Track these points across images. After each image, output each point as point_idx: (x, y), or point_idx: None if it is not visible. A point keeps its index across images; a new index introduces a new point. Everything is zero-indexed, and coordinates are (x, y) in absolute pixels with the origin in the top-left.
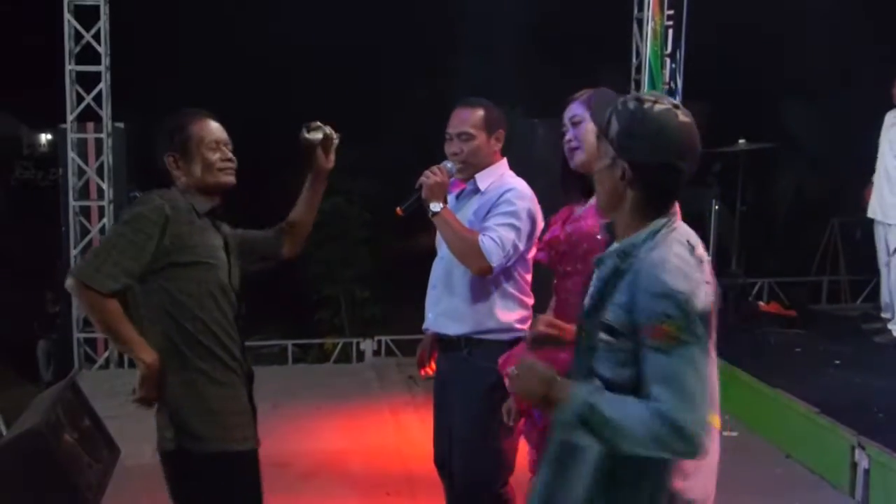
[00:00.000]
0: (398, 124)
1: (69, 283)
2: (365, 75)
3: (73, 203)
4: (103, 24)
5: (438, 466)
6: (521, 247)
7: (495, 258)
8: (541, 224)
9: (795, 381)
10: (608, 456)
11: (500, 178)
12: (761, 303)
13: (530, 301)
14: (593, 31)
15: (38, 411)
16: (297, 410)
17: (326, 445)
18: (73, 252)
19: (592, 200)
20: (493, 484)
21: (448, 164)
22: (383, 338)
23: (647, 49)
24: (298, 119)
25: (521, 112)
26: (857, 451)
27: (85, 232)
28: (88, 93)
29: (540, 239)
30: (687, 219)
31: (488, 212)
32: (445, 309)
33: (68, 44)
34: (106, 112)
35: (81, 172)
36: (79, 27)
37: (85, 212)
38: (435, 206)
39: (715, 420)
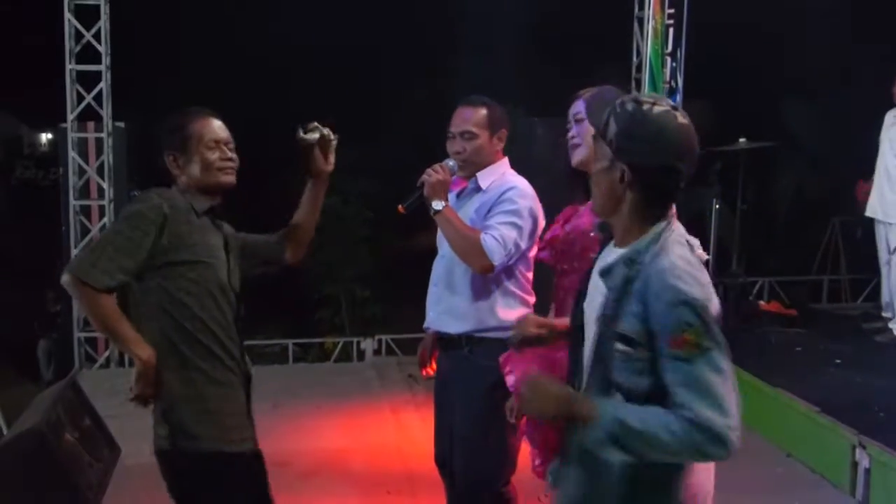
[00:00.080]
0: (398, 124)
1: (65, 278)
2: (365, 75)
3: (74, 202)
4: (104, 23)
5: (439, 465)
6: (523, 245)
7: (497, 257)
8: (542, 222)
9: (796, 380)
10: (631, 465)
11: (502, 176)
12: (762, 302)
13: (532, 299)
14: (594, 30)
15: (39, 410)
16: (298, 409)
17: (327, 444)
18: (74, 251)
19: None
20: (494, 483)
21: (450, 163)
22: (384, 337)
23: (648, 48)
24: (298, 119)
25: (522, 111)
26: (857, 451)
27: (85, 231)
28: (89, 92)
29: (541, 238)
30: (688, 218)
31: (489, 210)
32: (446, 307)
33: (69, 43)
34: (106, 111)
35: (82, 172)
36: (79, 26)
37: (85, 211)
38: (437, 205)
39: None
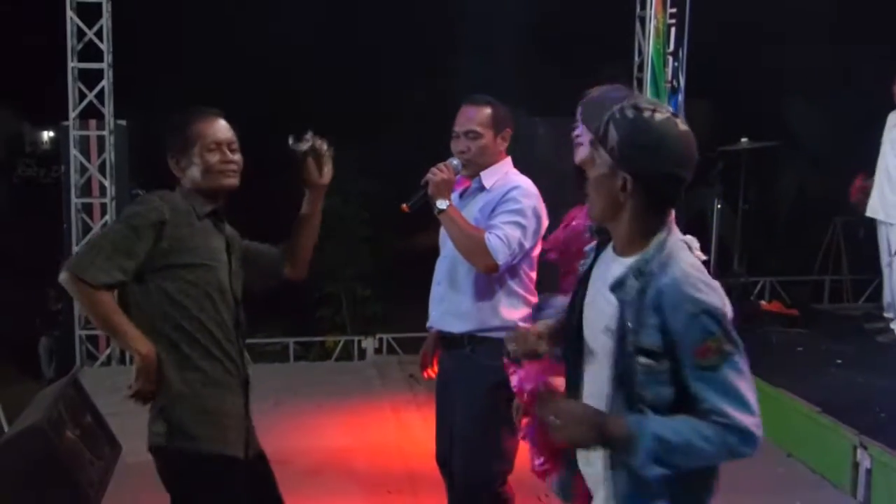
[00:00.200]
0: (399, 124)
1: (63, 276)
2: (365, 75)
3: (76, 200)
4: (106, 21)
5: (440, 464)
6: (527, 245)
7: (501, 256)
8: (546, 222)
9: (797, 380)
10: (666, 476)
11: (505, 175)
12: (763, 302)
13: (535, 299)
14: (595, 29)
15: (40, 408)
16: (299, 408)
17: (328, 443)
18: (75, 249)
19: None
20: (492, 482)
21: (454, 162)
22: (385, 336)
23: (650, 47)
24: (299, 118)
25: (523, 111)
26: (858, 451)
27: (87, 229)
28: (91, 90)
29: (545, 238)
30: (689, 218)
31: (494, 209)
32: (449, 306)
33: (71, 41)
34: (108, 109)
35: (84, 170)
36: (81, 24)
37: (87, 209)
38: (441, 204)
39: None
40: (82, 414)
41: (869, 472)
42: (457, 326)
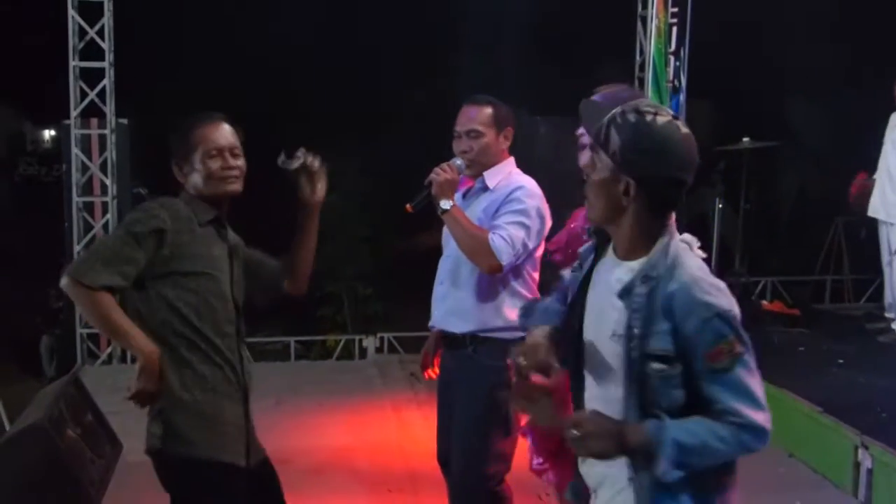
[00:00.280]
0: (401, 122)
1: (63, 281)
2: (365, 75)
3: (77, 199)
4: (107, 20)
5: (441, 464)
6: (531, 245)
7: (505, 257)
8: (549, 222)
9: (798, 380)
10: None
11: (509, 175)
12: (764, 302)
13: None
14: (597, 28)
15: (41, 407)
16: (300, 407)
17: (329, 442)
18: (77, 248)
19: None
20: (489, 482)
21: (458, 162)
22: (386, 335)
23: (651, 47)
24: (300, 117)
25: (525, 110)
26: (860, 451)
27: (88, 228)
28: (92, 89)
29: (548, 239)
30: (691, 218)
31: (497, 209)
32: (452, 306)
33: (72, 40)
34: (110, 108)
35: (85, 169)
36: (83, 23)
37: (88, 208)
38: (445, 204)
39: None
40: (83, 412)
41: (870, 472)
42: (459, 326)
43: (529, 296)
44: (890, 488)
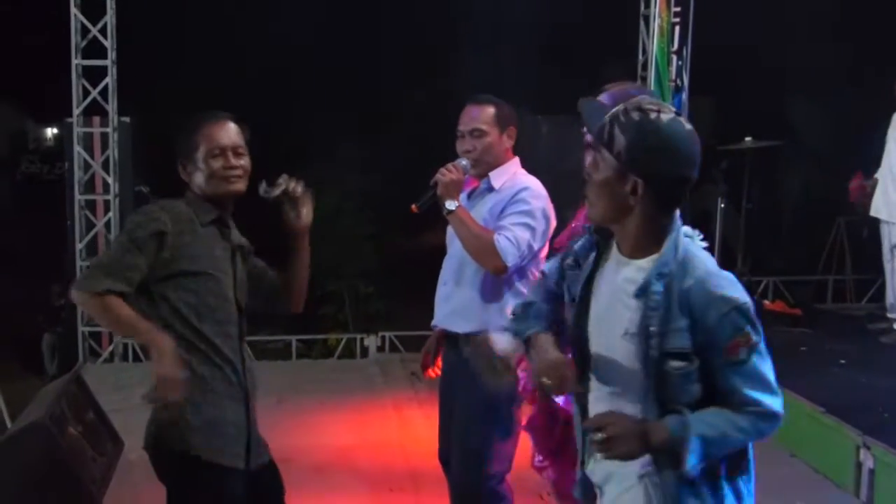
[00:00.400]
0: (403, 121)
1: (72, 294)
2: (365, 74)
3: (79, 197)
4: (110, 18)
5: (443, 463)
6: (536, 246)
7: (511, 258)
8: (554, 223)
9: (800, 380)
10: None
11: (514, 176)
12: (766, 301)
13: None
14: (599, 27)
15: (43, 404)
16: (301, 406)
17: (330, 441)
18: (79, 246)
19: None
20: (490, 480)
21: (463, 162)
22: (387, 334)
23: (654, 46)
24: (302, 115)
25: (527, 109)
26: (861, 451)
27: (90, 226)
28: (95, 87)
29: (552, 240)
30: (693, 217)
31: (503, 210)
32: (456, 306)
33: (75, 38)
34: (112, 106)
35: (87, 166)
36: (85, 21)
37: (90, 206)
38: (450, 204)
39: None
40: (85, 410)
41: (872, 472)
42: (462, 326)
43: None
44: (892, 489)
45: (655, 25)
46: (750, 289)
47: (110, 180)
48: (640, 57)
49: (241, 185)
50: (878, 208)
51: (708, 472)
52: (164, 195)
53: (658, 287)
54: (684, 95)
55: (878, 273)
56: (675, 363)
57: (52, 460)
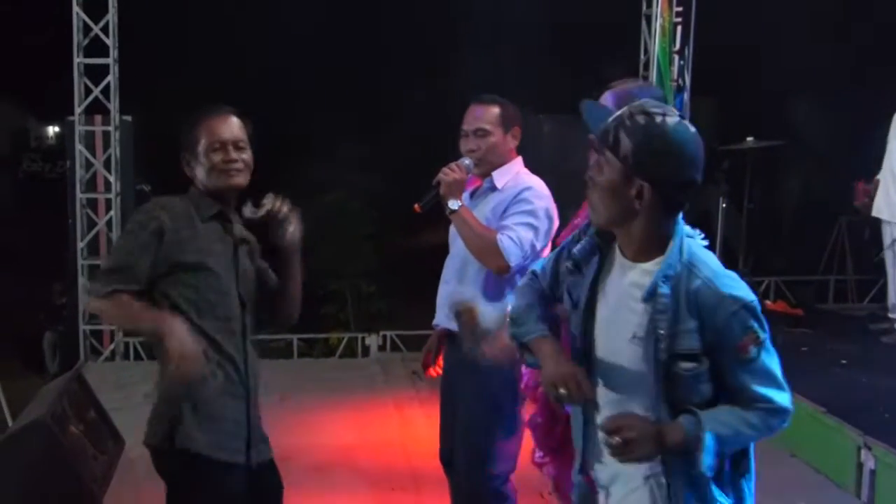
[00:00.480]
0: (405, 121)
1: (89, 307)
2: (367, 73)
3: (81, 195)
4: (112, 16)
5: (444, 462)
6: (539, 246)
7: (513, 258)
8: (557, 223)
9: (801, 380)
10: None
11: (517, 175)
12: (768, 301)
13: None
14: (601, 27)
15: (44, 403)
16: (302, 404)
17: (331, 440)
18: (80, 244)
19: None
20: (495, 481)
21: (466, 161)
22: (388, 333)
23: (656, 46)
24: (303, 113)
25: (529, 109)
26: (863, 452)
27: (92, 224)
28: (96, 85)
29: (555, 240)
30: (694, 217)
31: (505, 210)
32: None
33: (77, 36)
34: (114, 105)
35: (89, 165)
36: (87, 20)
37: (92, 204)
38: (453, 204)
39: None
40: (86, 409)
41: (873, 472)
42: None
43: None
44: (893, 489)
45: (657, 25)
46: (751, 289)
47: (112, 179)
48: (642, 56)
49: (241, 179)
50: (879, 209)
51: (713, 473)
52: (165, 193)
53: (665, 290)
54: (686, 95)
55: (879, 273)
56: (686, 364)
57: (53, 459)
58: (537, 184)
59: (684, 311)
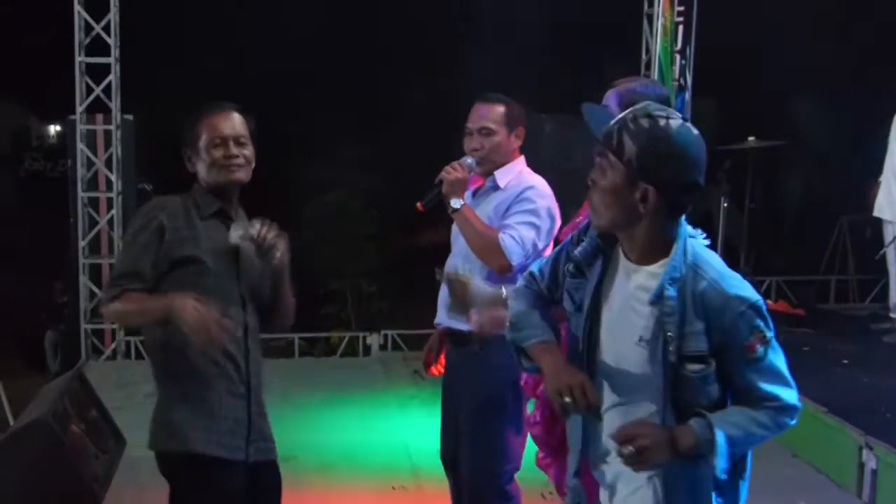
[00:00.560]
0: (406, 120)
1: (104, 315)
2: (368, 72)
3: (82, 194)
4: (113, 15)
5: (445, 462)
6: (541, 245)
7: (515, 257)
8: (559, 222)
9: (803, 380)
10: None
11: (519, 175)
12: (769, 301)
13: None
14: (603, 26)
15: (46, 402)
16: (304, 403)
17: (332, 439)
18: (81, 243)
19: None
20: (498, 479)
21: (468, 160)
22: (390, 332)
23: (657, 45)
24: (304, 112)
25: (530, 108)
26: (864, 452)
27: (93, 223)
28: (98, 84)
29: (556, 240)
30: (696, 217)
31: (508, 209)
32: None
33: (78, 35)
34: (115, 104)
35: (90, 164)
36: (89, 19)
37: (93, 203)
38: (455, 203)
39: None
40: (87, 408)
41: (874, 472)
42: (466, 324)
43: None
44: (894, 489)
45: (659, 25)
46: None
47: (113, 178)
48: (644, 56)
49: (242, 174)
50: (881, 208)
51: (727, 476)
52: (166, 192)
53: (672, 292)
54: (687, 95)
55: (881, 273)
56: (693, 366)
57: (54, 458)
58: (539, 183)
59: (691, 313)
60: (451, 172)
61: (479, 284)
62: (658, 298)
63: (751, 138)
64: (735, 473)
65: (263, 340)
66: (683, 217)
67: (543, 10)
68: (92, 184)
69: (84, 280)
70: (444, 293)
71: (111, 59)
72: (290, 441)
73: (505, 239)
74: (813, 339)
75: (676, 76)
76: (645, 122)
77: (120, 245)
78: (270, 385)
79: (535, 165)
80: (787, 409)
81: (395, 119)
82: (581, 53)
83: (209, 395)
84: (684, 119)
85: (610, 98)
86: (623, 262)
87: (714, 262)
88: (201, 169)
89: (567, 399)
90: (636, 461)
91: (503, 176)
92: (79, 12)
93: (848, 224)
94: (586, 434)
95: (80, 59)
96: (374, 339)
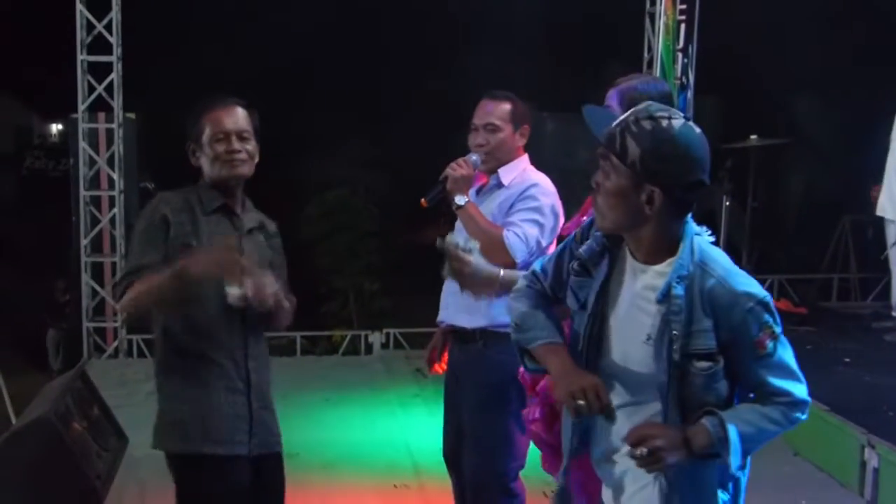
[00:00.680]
0: (409, 117)
1: (120, 310)
2: (369, 71)
3: (84, 193)
4: (115, 14)
5: (447, 460)
6: (544, 243)
7: (520, 254)
8: (562, 220)
9: (805, 378)
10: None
11: (523, 172)
12: None
13: None
14: (604, 25)
15: (48, 400)
16: (306, 402)
17: (334, 437)
18: (83, 242)
19: None
20: (503, 477)
21: (473, 157)
22: (392, 330)
23: (659, 43)
24: (307, 110)
25: (532, 106)
26: (866, 450)
27: (95, 222)
28: (100, 83)
29: (559, 238)
30: (698, 216)
31: (512, 206)
32: (463, 302)
33: (80, 34)
34: (117, 102)
35: (92, 162)
36: (91, 17)
37: (96, 202)
38: (460, 200)
39: None
40: (90, 406)
41: (876, 471)
42: (470, 322)
43: None
44: None
45: (661, 23)
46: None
47: (115, 176)
48: (646, 55)
49: (245, 169)
50: (883, 207)
51: (742, 472)
52: (168, 191)
53: (679, 290)
54: (689, 93)
55: (883, 272)
56: (701, 364)
57: (56, 456)
58: (543, 181)
59: (699, 311)
60: (455, 169)
61: (478, 261)
62: (665, 297)
63: (753, 137)
64: (741, 471)
65: (265, 338)
66: (689, 215)
67: (544, 8)
68: (94, 182)
69: (86, 278)
70: (447, 290)
71: (113, 58)
72: (293, 439)
73: (509, 236)
74: (815, 337)
75: (678, 74)
76: (647, 124)
77: (122, 243)
78: (272, 383)
79: (537, 164)
80: (799, 404)
81: (397, 117)
82: (582, 52)
83: (209, 394)
84: (686, 118)
85: (611, 97)
86: (630, 262)
87: (721, 260)
88: (205, 163)
89: (581, 402)
90: (649, 462)
91: (507, 173)
92: (80, 11)
93: (850, 222)
94: (581, 433)
95: (81, 57)
96: (376, 338)
